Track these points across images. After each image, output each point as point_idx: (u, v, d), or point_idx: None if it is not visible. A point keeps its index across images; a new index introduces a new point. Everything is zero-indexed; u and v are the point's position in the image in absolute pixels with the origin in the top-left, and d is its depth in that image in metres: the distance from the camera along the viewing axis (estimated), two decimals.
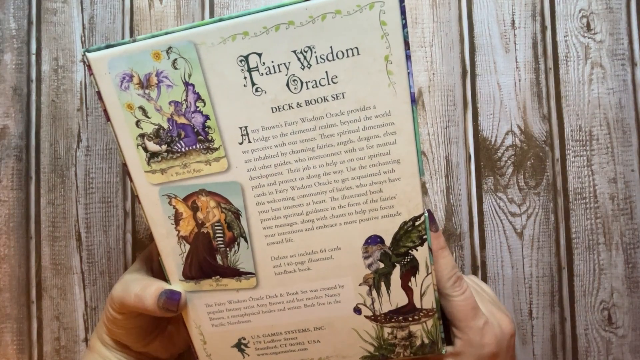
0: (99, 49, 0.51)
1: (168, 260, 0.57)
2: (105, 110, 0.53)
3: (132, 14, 0.76)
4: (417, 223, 0.54)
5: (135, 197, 0.73)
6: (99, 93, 0.52)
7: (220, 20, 0.50)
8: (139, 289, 0.56)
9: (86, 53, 0.51)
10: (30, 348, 0.75)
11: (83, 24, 0.76)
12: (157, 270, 0.62)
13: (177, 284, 0.58)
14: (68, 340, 0.75)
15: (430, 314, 0.57)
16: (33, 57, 0.76)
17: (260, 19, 0.49)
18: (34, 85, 0.76)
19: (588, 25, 0.74)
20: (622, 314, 0.73)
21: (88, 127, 0.75)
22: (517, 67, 0.74)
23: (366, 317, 0.58)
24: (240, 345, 0.60)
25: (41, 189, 0.75)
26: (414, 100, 0.51)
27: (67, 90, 0.75)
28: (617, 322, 0.73)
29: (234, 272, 0.57)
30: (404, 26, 0.49)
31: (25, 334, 0.75)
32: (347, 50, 0.50)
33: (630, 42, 0.73)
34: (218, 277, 0.57)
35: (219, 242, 0.56)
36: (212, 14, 0.75)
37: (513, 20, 0.74)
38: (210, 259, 0.57)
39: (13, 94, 0.75)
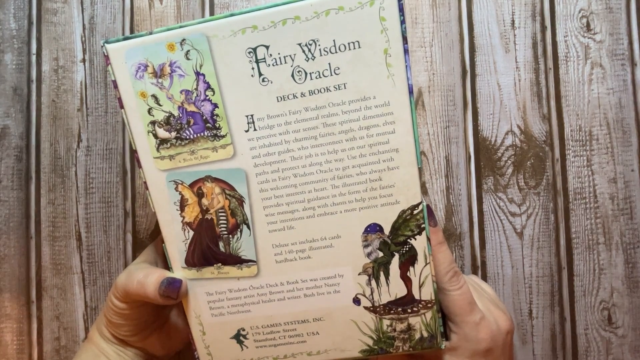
0: (118, 40, 0.57)
1: (171, 247, 0.61)
2: (119, 99, 0.58)
3: (132, 14, 0.80)
4: (415, 212, 0.59)
5: (134, 197, 0.77)
6: (114, 82, 0.57)
7: (232, 15, 0.56)
8: (142, 276, 0.60)
9: (105, 44, 0.57)
10: (30, 348, 0.77)
11: (83, 24, 0.80)
12: (162, 264, 0.66)
13: (179, 271, 0.62)
14: (68, 340, 0.78)
15: (429, 305, 0.60)
16: (33, 57, 0.79)
17: (268, 14, 0.55)
18: (34, 85, 0.79)
19: (588, 25, 0.77)
20: (622, 314, 0.76)
21: (88, 127, 0.79)
22: (517, 67, 0.77)
23: (365, 308, 0.61)
24: (239, 337, 0.63)
25: (41, 189, 0.79)
26: (411, 92, 0.56)
27: (67, 90, 0.79)
28: (617, 322, 0.76)
29: (236, 260, 0.61)
30: (402, 22, 0.55)
31: (25, 333, 0.78)
32: (349, 43, 0.55)
33: (630, 42, 0.77)
34: (220, 264, 0.61)
35: (222, 229, 0.60)
36: (212, 14, 0.79)
37: (513, 20, 0.78)
38: (212, 245, 0.61)
39: (13, 94, 0.79)
